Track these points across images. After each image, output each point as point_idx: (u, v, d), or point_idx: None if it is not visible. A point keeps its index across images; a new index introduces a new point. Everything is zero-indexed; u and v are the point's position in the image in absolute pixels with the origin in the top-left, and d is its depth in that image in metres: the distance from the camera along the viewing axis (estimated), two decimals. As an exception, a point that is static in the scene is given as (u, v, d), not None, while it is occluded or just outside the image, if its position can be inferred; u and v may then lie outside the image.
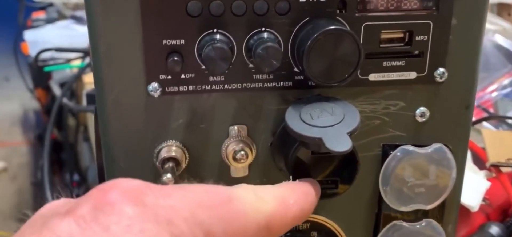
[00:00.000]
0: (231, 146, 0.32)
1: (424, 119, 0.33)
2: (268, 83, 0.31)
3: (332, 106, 0.29)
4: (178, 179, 0.30)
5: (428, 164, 0.33)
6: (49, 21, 1.67)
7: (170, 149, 0.31)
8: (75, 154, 1.36)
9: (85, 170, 1.49)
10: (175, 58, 0.29)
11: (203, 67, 0.30)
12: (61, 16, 1.63)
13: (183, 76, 0.30)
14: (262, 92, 0.31)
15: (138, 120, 0.31)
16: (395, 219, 0.35)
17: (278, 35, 0.30)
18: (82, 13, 1.29)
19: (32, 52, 1.19)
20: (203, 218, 0.22)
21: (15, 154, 2.46)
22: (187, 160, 0.32)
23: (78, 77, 0.88)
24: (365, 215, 0.35)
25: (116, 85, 0.30)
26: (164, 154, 0.31)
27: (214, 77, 0.30)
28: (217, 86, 0.31)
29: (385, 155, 0.33)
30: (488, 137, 0.57)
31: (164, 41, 0.29)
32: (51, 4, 1.72)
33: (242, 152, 0.31)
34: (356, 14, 0.30)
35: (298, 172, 0.30)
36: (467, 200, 0.52)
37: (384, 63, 0.31)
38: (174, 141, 0.31)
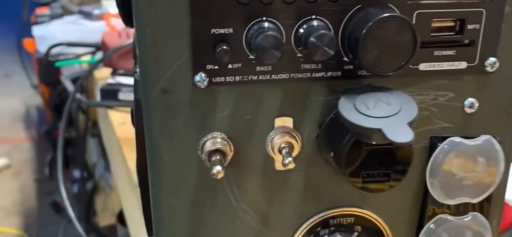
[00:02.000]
0: (276, 138, 0.31)
1: (472, 110, 0.32)
2: (316, 73, 0.30)
3: (387, 96, 0.28)
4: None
5: (476, 156, 0.32)
6: (54, 17, 1.65)
7: (215, 141, 0.30)
8: (83, 149, 1.35)
9: (92, 166, 1.49)
10: (224, 47, 0.28)
11: (251, 57, 0.29)
12: (66, 12, 1.62)
13: (230, 66, 0.29)
14: (309, 83, 0.30)
15: (183, 111, 0.30)
16: (440, 213, 0.34)
17: (328, 22, 0.29)
18: (90, 8, 1.27)
19: (40, 47, 1.18)
20: None
21: (18, 150, 2.45)
22: (232, 152, 0.31)
23: (90, 72, 0.87)
24: (410, 209, 0.34)
25: (163, 75, 0.29)
26: (209, 146, 0.30)
27: (262, 67, 0.29)
28: (264, 77, 0.30)
29: (432, 147, 0.32)
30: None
31: (212, 30, 0.28)
32: (55, 0, 1.71)
33: (288, 144, 0.31)
34: (408, 2, 0.29)
35: (350, 164, 0.29)
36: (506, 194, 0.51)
37: (435, 53, 0.31)
38: (219, 133, 0.31)
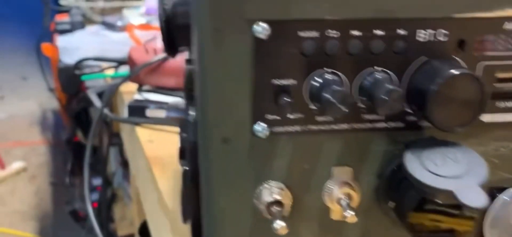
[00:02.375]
0: (334, 188, 0.30)
1: (534, 161, 0.31)
2: (378, 124, 0.30)
3: (454, 152, 0.27)
4: (282, 223, 0.29)
5: (537, 208, 0.32)
6: (74, 24, 1.66)
7: (272, 190, 0.30)
8: (106, 161, 1.35)
9: (111, 175, 1.49)
10: (287, 99, 0.27)
11: (311, 107, 0.29)
12: (86, 20, 1.62)
13: (290, 116, 0.29)
14: (370, 133, 0.30)
15: (242, 159, 0.29)
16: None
17: (392, 74, 0.28)
18: (113, 19, 1.28)
19: (64, 58, 1.18)
20: None
21: (34, 154, 2.47)
22: (291, 202, 0.30)
23: (117, 87, 0.87)
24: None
25: (223, 123, 0.28)
26: (266, 195, 0.30)
27: (322, 117, 0.29)
28: (325, 127, 0.29)
29: (492, 198, 0.32)
30: None
31: (274, 81, 0.28)
32: (76, 7, 1.72)
33: (346, 195, 0.30)
34: (474, 54, 0.28)
35: (414, 219, 0.28)
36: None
37: (498, 104, 0.30)
38: (275, 182, 0.30)
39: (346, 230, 0.32)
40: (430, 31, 0.28)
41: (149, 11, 1.37)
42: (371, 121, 0.29)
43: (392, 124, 0.30)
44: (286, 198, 0.30)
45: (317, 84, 0.28)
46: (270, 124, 0.29)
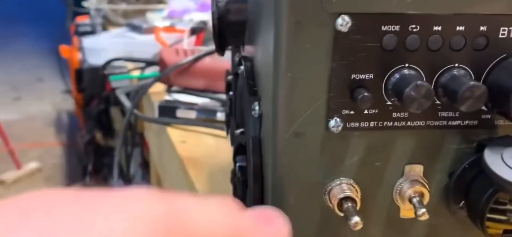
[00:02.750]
0: (405, 186, 0.30)
1: None
2: (453, 122, 0.29)
3: (536, 151, 0.27)
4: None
5: None
6: (94, 26, 1.67)
7: (342, 187, 0.29)
8: (129, 162, 1.35)
9: (131, 176, 1.49)
10: (366, 94, 0.27)
11: (388, 103, 0.28)
12: (108, 22, 1.64)
13: (366, 112, 0.28)
14: (444, 131, 0.29)
15: (314, 154, 0.29)
16: None
17: (470, 70, 0.28)
18: (138, 22, 1.28)
19: (90, 59, 1.19)
20: None
21: (49, 155, 2.48)
22: (359, 199, 0.30)
23: (147, 88, 0.87)
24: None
25: (297, 119, 0.28)
26: (337, 192, 0.29)
27: (398, 113, 0.29)
28: (400, 123, 0.29)
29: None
30: None
31: (353, 76, 0.28)
32: (96, 9, 1.73)
33: (418, 193, 0.30)
34: (554, 52, 0.28)
35: (489, 220, 0.28)
36: None
37: None
38: (346, 178, 0.30)
39: (414, 229, 0.31)
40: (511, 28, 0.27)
41: (172, 14, 1.38)
42: (446, 118, 0.29)
43: (466, 122, 0.29)
44: (355, 195, 0.30)
45: (397, 79, 0.27)
46: (345, 119, 0.28)
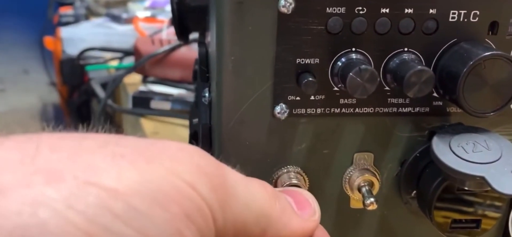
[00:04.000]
0: (355, 175, 0.29)
1: None
2: (403, 108, 0.28)
3: (485, 139, 0.26)
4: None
5: None
6: (77, 17, 1.65)
7: (290, 175, 0.29)
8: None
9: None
10: (311, 79, 0.26)
11: (335, 89, 0.27)
12: (90, 13, 1.61)
13: (312, 98, 0.27)
14: (394, 118, 0.28)
15: (260, 142, 0.28)
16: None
17: (420, 55, 0.27)
18: (118, 11, 1.26)
19: (68, 49, 1.17)
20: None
21: (34, 148, 2.45)
22: (307, 188, 0.29)
23: (122, 78, 0.86)
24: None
25: (242, 105, 0.27)
26: (285, 180, 0.28)
27: (346, 100, 0.28)
28: (348, 110, 0.28)
29: (518, 190, 0.30)
30: None
31: (298, 60, 0.26)
32: (80, 0, 1.71)
33: (367, 182, 0.29)
34: (507, 37, 0.27)
35: (438, 209, 0.27)
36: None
37: (529, 92, 0.29)
38: (294, 166, 0.29)
39: (365, 218, 0.31)
40: (462, 11, 0.26)
41: (154, 4, 1.36)
42: (396, 105, 0.28)
43: (417, 109, 0.28)
44: (304, 183, 0.29)
45: (343, 64, 0.26)
46: (291, 105, 0.27)
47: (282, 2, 0.25)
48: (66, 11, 1.81)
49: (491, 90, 0.26)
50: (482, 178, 0.24)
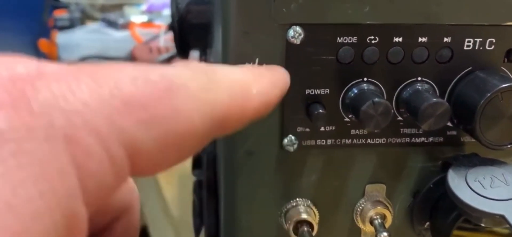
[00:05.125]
0: (367, 207, 0.28)
1: None
2: (417, 139, 0.27)
3: (503, 172, 0.25)
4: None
5: None
6: (73, 20, 1.63)
7: (299, 209, 0.27)
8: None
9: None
10: (321, 110, 0.25)
11: (346, 119, 0.26)
12: (86, 16, 1.60)
13: (322, 129, 0.26)
14: (407, 148, 0.27)
15: (268, 174, 0.27)
16: None
17: (434, 84, 0.26)
18: (114, 16, 1.25)
19: (63, 55, 1.16)
20: (126, 126, 0.14)
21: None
22: (317, 222, 0.28)
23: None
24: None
25: (250, 136, 0.26)
26: (294, 215, 0.27)
27: (357, 130, 0.27)
28: (359, 141, 0.27)
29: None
30: None
31: (307, 91, 0.25)
32: (75, 3, 1.69)
33: (380, 214, 0.28)
34: (523, 65, 0.26)
35: (454, 243, 0.26)
36: None
37: (546, 120, 0.28)
38: (303, 199, 0.28)
39: (377, 251, 0.30)
40: (478, 39, 0.25)
41: (150, 8, 1.35)
42: (409, 135, 0.27)
43: (431, 139, 0.27)
44: (313, 217, 0.28)
45: (355, 95, 0.25)
46: (300, 136, 0.26)
47: (291, 33, 0.24)
48: (61, 14, 1.79)
49: (508, 122, 0.25)
50: (502, 216, 0.23)
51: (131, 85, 0.15)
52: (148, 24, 1.20)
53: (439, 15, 0.25)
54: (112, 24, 1.23)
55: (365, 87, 0.26)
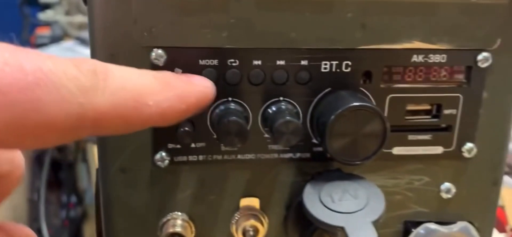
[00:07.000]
0: (241, 220, 0.29)
1: (449, 196, 0.31)
2: (284, 155, 0.29)
3: (356, 187, 0.27)
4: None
5: (453, 243, 0.31)
6: (54, 38, 1.65)
7: (175, 222, 0.29)
8: (74, 174, 1.33)
9: (82, 192, 1.47)
10: (187, 128, 0.27)
11: (215, 136, 0.28)
12: (66, 35, 1.61)
13: (193, 145, 0.28)
14: (277, 164, 0.29)
15: (142, 190, 0.28)
16: None
17: (296, 104, 0.28)
18: (86, 34, 1.27)
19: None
20: None
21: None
22: (193, 235, 0.29)
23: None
24: None
25: (121, 153, 0.28)
26: (169, 228, 0.29)
27: (227, 147, 0.28)
28: (229, 157, 0.28)
29: (406, 232, 0.31)
30: (509, 197, 0.55)
31: (174, 109, 0.27)
32: (56, 22, 1.71)
33: (253, 227, 0.29)
34: (381, 86, 0.28)
35: (314, 255, 0.28)
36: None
37: (409, 137, 0.29)
38: (180, 214, 0.29)
39: (256, 263, 0.31)
40: (334, 62, 0.27)
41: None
42: (276, 151, 0.29)
43: (298, 155, 0.29)
44: (188, 231, 0.29)
45: (221, 111, 0.27)
46: (172, 153, 0.28)
47: (154, 55, 0.26)
48: (43, 32, 1.81)
49: (359, 140, 0.26)
50: (341, 228, 0.24)
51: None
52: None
53: (296, 40, 0.26)
54: (85, 42, 1.25)
55: (232, 107, 0.27)
